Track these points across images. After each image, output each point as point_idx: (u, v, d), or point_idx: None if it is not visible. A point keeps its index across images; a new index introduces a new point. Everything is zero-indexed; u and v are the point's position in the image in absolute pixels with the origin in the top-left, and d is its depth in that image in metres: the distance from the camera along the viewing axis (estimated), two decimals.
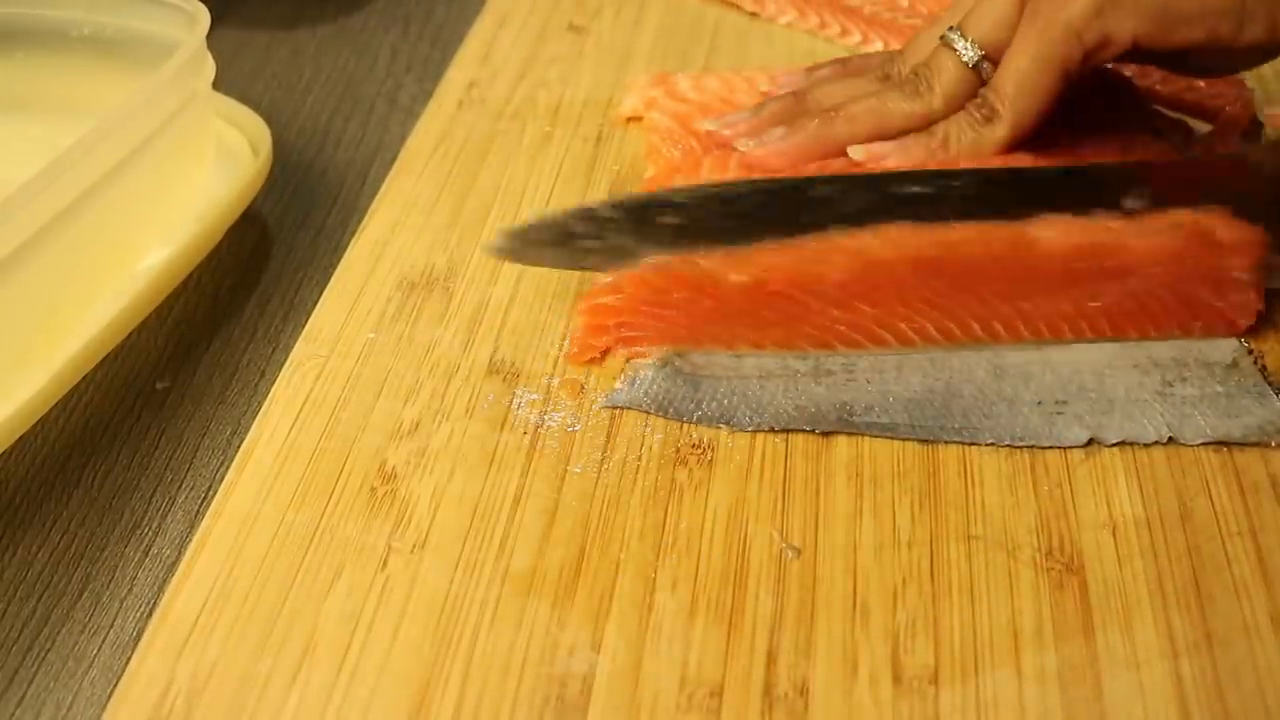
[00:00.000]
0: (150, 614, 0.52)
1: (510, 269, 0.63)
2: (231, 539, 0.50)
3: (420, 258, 0.64)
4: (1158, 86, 0.78)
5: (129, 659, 0.46)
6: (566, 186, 0.69)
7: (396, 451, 0.54)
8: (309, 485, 0.52)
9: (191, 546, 0.50)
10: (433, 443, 0.54)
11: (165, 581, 0.53)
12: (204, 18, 0.65)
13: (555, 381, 0.57)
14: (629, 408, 0.56)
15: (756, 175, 0.64)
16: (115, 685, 0.46)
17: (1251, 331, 0.60)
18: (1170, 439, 0.55)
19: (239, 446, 0.55)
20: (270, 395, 0.56)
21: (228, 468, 0.55)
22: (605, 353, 0.59)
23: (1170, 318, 0.60)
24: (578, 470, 0.53)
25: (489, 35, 0.83)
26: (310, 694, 0.45)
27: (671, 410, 0.56)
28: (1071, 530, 0.51)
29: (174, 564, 0.53)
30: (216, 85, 0.68)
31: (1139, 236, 0.59)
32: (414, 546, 0.50)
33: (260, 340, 0.64)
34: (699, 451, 0.54)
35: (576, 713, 0.44)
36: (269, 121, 0.71)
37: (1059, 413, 0.56)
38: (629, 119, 0.74)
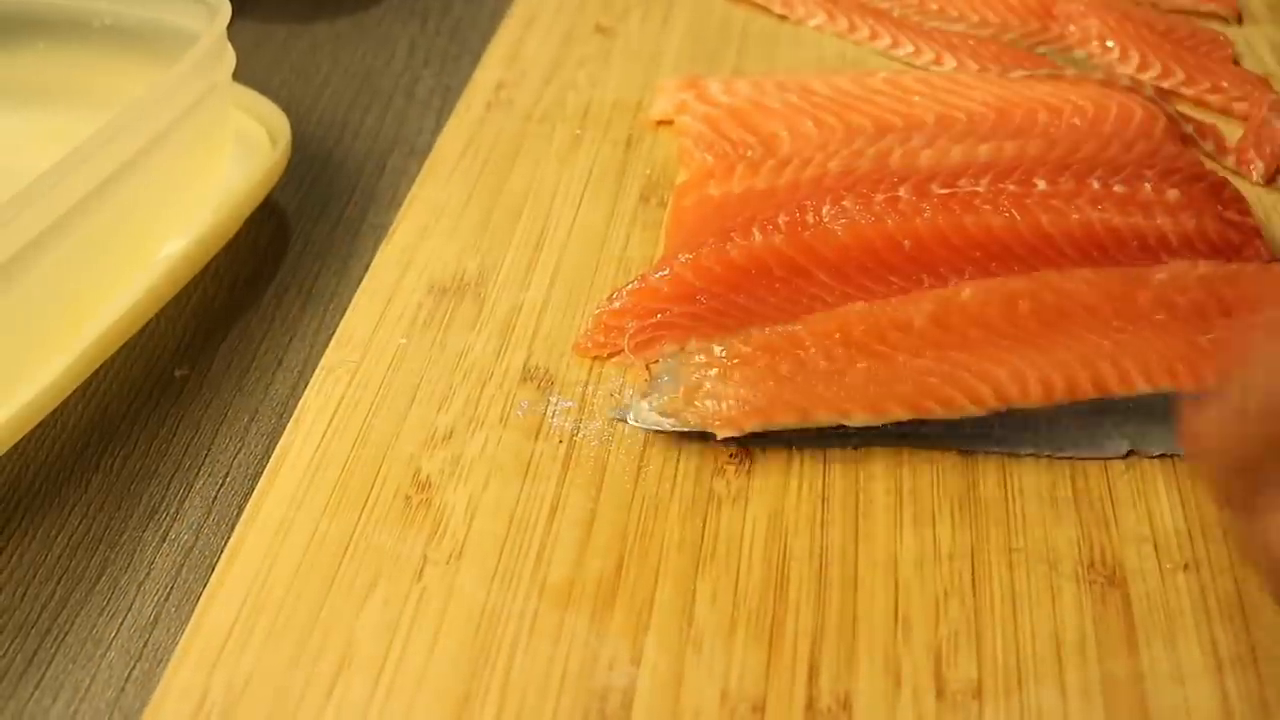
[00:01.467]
0: (168, 597, 0.52)
1: (542, 273, 0.62)
2: (265, 548, 0.50)
3: (451, 262, 0.63)
4: (1183, 89, 0.78)
5: (146, 642, 0.47)
6: (597, 190, 0.68)
7: (431, 460, 0.53)
8: (343, 493, 0.52)
9: (225, 555, 0.49)
10: (467, 451, 0.53)
11: (182, 566, 0.53)
12: (224, 9, 0.64)
13: (591, 389, 0.57)
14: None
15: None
16: (132, 668, 0.46)
17: None
18: None
19: (255, 435, 0.54)
20: (301, 402, 0.56)
21: (245, 455, 0.55)
22: (615, 352, 0.58)
23: None
24: (614, 479, 0.53)
25: (516, 36, 0.82)
26: (347, 708, 0.44)
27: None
28: (1113, 543, 0.51)
29: (191, 548, 0.54)
30: (236, 77, 0.68)
31: (1156, 219, 0.60)
32: (450, 557, 0.49)
33: (277, 329, 0.64)
34: (736, 461, 0.53)
35: None
36: (288, 113, 0.71)
37: (1099, 424, 0.55)
38: (659, 122, 0.74)
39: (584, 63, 0.80)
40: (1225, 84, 0.79)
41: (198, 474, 0.57)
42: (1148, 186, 0.61)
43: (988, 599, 0.49)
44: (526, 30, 0.83)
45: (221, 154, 0.69)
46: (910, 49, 0.82)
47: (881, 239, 0.58)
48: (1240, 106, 0.77)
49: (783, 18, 0.86)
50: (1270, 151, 0.73)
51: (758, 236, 0.58)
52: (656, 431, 0.54)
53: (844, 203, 0.59)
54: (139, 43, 0.70)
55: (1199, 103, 0.79)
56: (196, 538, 0.54)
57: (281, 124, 0.70)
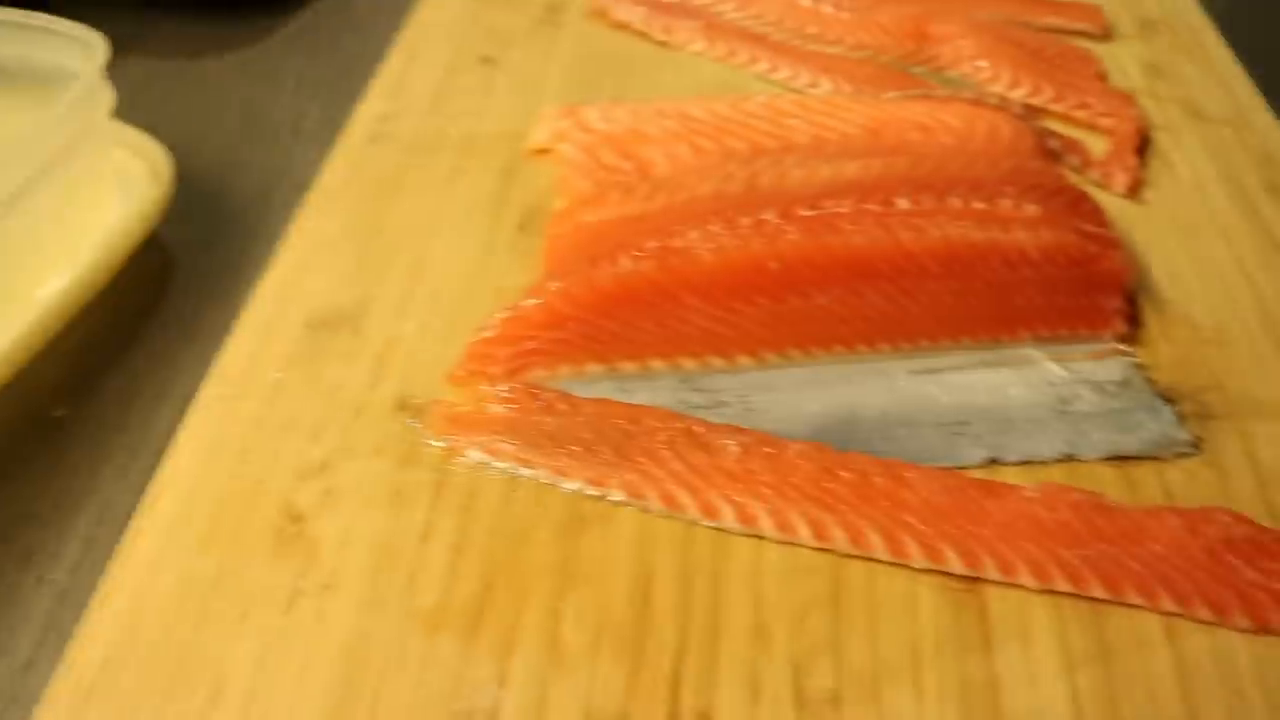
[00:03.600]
0: (44, 639, 0.52)
1: (419, 304, 0.63)
2: (136, 586, 0.50)
3: (329, 295, 0.64)
4: (1051, 105, 0.80)
5: (22, 685, 0.47)
6: (476, 220, 0.69)
7: (304, 492, 0.54)
8: (215, 528, 0.52)
9: (97, 595, 0.50)
10: (340, 482, 0.54)
11: (60, 607, 0.53)
12: (101, 48, 0.65)
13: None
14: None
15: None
16: (5, 711, 0.46)
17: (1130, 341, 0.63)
18: (1068, 455, 0.57)
19: (136, 473, 0.55)
20: (177, 438, 0.56)
21: (124, 493, 0.56)
22: (488, 381, 0.59)
23: (1039, 317, 0.62)
24: (484, 504, 0.54)
25: (400, 68, 0.83)
26: None
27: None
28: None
29: (68, 590, 0.54)
30: (122, 115, 0.68)
31: (1015, 234, 0.61)
32: (321, 587, 0.50)
33: (160, 366, 0.65)
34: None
35: None
36: (175, 149, 0.71)
37: (958, 433, 0.57)
38: (539, 151, 0.75)
39: (467, 93, 0.81)
40: (1092, 100, 0.81)
41: (77, 514, 0.57)
42: (1007, 202, 0.63)
43: (848, 609, 0.50)
44: (411, 62, 0.84)
45: (103, 192, 0.69)
46: (788, 72, 0.83)
47: (747, 261, 0.59)
48: (1106, 122, 0.80)
49: (663, 44, 0.87)
50: (1132, 165, 0.75)
51: (625, 262, 0.59)
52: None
53: (711, 226, 0.60)
54: (16, 82, 0.70)
55: (1067, 119, 0.81)
56: (74, 578, 0.54)
57: (164, 161, 0.70)
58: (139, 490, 0.57)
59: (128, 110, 0.68)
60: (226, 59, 0.91)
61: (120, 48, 0.65)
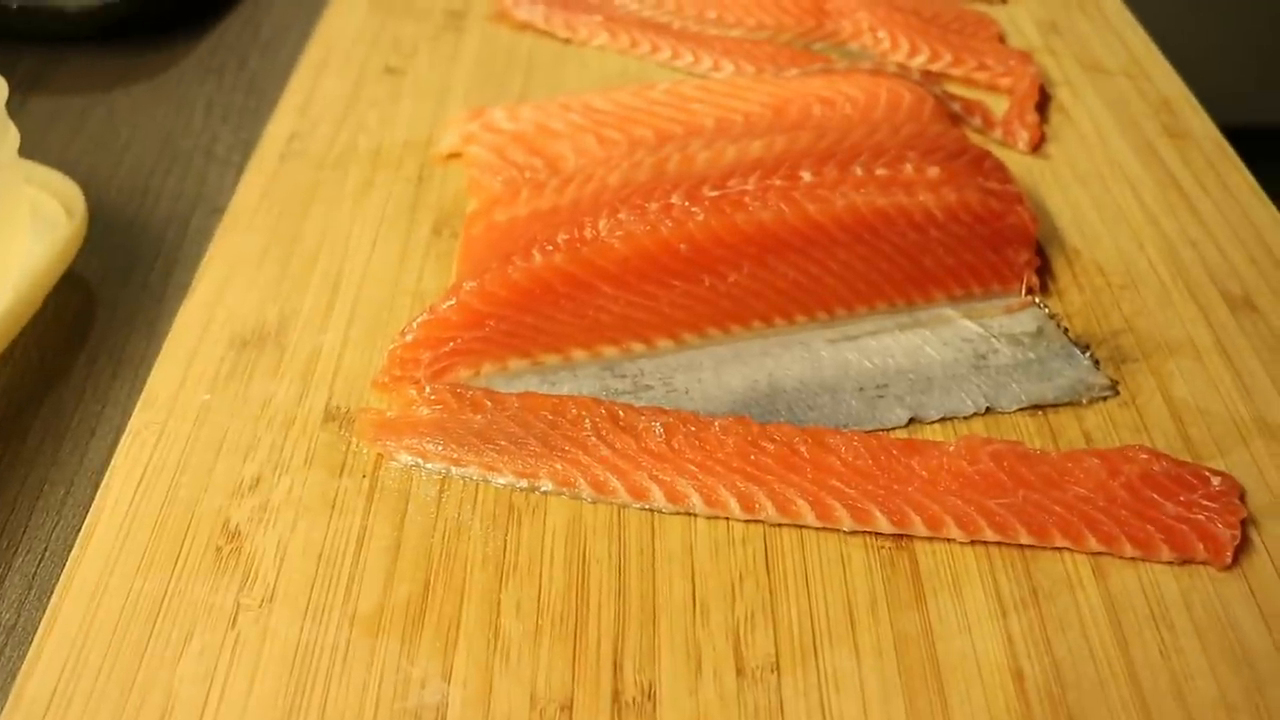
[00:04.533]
0: None
1: (340, 315, 0.64)
2: (80, 614, 0.50)
3: (251, 314, 0.64)
4: (951, 70, 0.81)
5: None
6: (391, 229, 0.70)
7: (239, 509, 0.54)
8: (154, 552, 0.53)
9: (41, 627, 0.50)
10: (274, 496, 0.55)
11: (5, 644, 0.53)
12: (1, 88, 0.65)
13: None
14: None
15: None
16: None
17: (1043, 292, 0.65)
18: (988, 409, 0.58)
19: (73, 506, 0.55)
20: (110, 467, 0.56)
21: (63, 528, 0.56)
22: (413, 385, 0.59)
23: (951, 276, 0.63)
24: (417, 505, 0.54)
25: (307, 84, 0.83)
26: None
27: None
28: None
29: (14, 626, 0.54)
30: (34, 153, 0.68)
31: (920, 197, 0.63)
32: (262, 601, 0.50)
33: (89, 399, 0.65)
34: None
35: None
36: (88, 184, 0.71)
37: (880, 396, 0.58)
38: (449, 156, 0.75)
39: (374, 104, 0.81)
40: (991, 62, 0.82)
41: (16, 552, 0.57)
42: (909, 166, 0.64)
43: (781, 576, 0.51)
44: (318, 77, 0.84)
45: (15, 232, 0.69)
46: (690, 59, 0.84)
47: (658, 246, 0.60)
48: (1005, 82, 0.81)
49: (567, 41, 0.88)
50: (1033, 121, 0.76)
51: (538, 257, 0.60)
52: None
53: (619, 215, 0.61)
54: None
55: (968, 81, 0.83)
56: (18, 615, 0.55)
57: (76, 196, 0.70)
58: (77, 523, 0.58)
59: (37, 148, 0.68)
60: (134, 90, 0.91)
61: (25, 86, 0.65)
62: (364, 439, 0.57)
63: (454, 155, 0.75)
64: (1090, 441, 0.57)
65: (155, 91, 0.91)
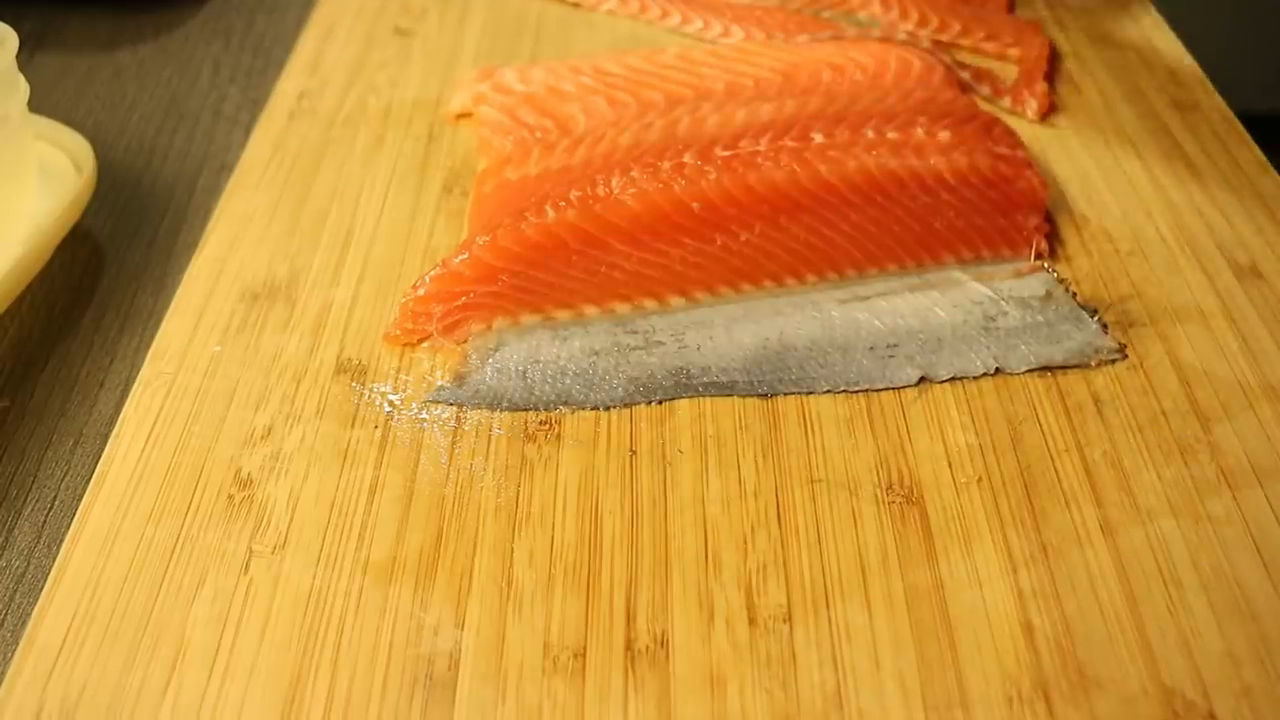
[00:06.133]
0: (2, 624, 0.52)
1: (351, 270, 0.64)
2: (93, 560, 0.50)
3: (261, 269, 0.64)
4: (961, 39, 0.81)
5: None
6: (401, 186, 0.70)
7: (251, 458, 0.54)
8: (166, 500, 0.53)
9: (53, 572, 0.50)
10: (286, 446, 0.55)
11: (15, 592, 0.53)
12: (11, 39, 0.65)
13: (403, 375, 0.58)
14: (460, 404, 0.57)
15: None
16: None
17: (1051, 257, 0.65)
18: (998, 370, 0.58)
19: (81, 457, 0.55)
20: (121, 416, 0.57)
21: (72, 478, 0.56)
22: (424, 338, 0.60)
23: (961, 240, 0.63)
24: (429, 456, 0.54)
25: (316, 45, 0.83)
26: (183, 700, 0.46)
27: (506, 402, 0.57)
28: (910, 464, 0.54)
29: (23, 574, 0.54)
30: (40, 109, 0.68)
31: (930, 160, 0.63)
32: (274, 548, 0.51)
33: (97, 353, 0.65)
34: (546, 427, 0.55)
35: (445, 688, 0.46)
36: (96, 141, 0.71)
37: (890, 356, 0.59)
38: (459, 116, 0.75)
39: (384, 65, 0.81)
40: (999, 31, 0.83)
41: (25, 501, 0.58)
42: (920, 130, 0.64)
43: (793, 529, 0.51)
44: (327, 38, 0.84)
45: (24, 186, 0.69)
46: (700, 24, 0.84)
47: (670, 203, 0.60)
48: (1014, 52, 0.82)
49: (576, 5, 0.88)
50: (1041, 90, 0.77)
51: (551, 213, 0.60)
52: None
53: (632, 173, 0.61)
54: None
55: (977, 51, 0.83)
56: (28, 563, 0.55)
57: (85, 151, 0.70)
58: (86, 473, 0.58)
59: (46, 104, 0.68)
60: (141, 49, 0.91)
61: (33, 43, 0.65)
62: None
63: (464, 115, 0.75)
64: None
65: (162, 51, 0.91)
